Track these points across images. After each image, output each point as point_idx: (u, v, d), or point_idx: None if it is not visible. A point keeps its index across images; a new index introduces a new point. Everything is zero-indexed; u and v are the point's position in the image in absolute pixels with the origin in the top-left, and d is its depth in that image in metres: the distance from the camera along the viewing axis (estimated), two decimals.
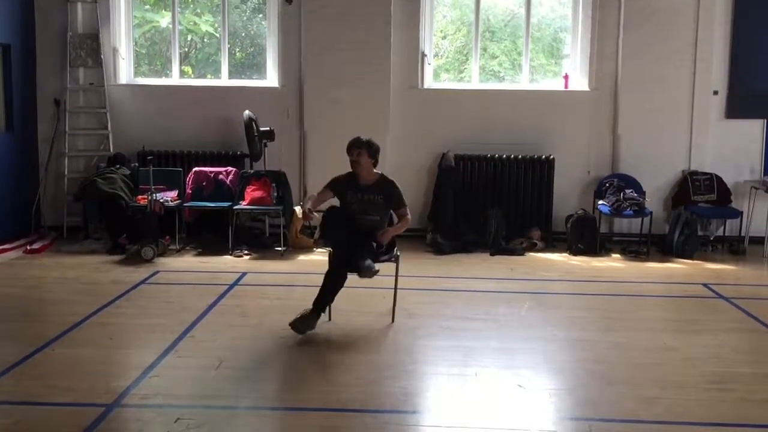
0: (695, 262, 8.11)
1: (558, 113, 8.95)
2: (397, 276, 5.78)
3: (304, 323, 5.36)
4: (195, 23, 9.81)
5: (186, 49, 9.99)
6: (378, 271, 5.44)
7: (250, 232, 8.58)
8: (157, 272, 7.27)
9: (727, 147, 8.86)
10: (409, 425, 4.14)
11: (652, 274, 7.64)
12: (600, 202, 8.62)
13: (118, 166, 8.56)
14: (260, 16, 9.59)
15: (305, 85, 8.89)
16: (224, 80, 9.24)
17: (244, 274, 7.28)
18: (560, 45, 9.66)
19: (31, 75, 8.99)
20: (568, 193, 8.91)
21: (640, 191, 8.57)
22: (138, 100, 9.15)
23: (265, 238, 8.63)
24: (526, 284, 7.15)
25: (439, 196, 8.76)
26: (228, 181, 8.52)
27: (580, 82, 9.01)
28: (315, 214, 5.64)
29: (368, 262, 5.39)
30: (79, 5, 8.97)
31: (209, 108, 8.99)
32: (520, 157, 8.81)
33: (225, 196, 8.43)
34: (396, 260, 5.76)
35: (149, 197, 7.91)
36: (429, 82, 9.11)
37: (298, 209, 8.19)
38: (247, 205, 8.23)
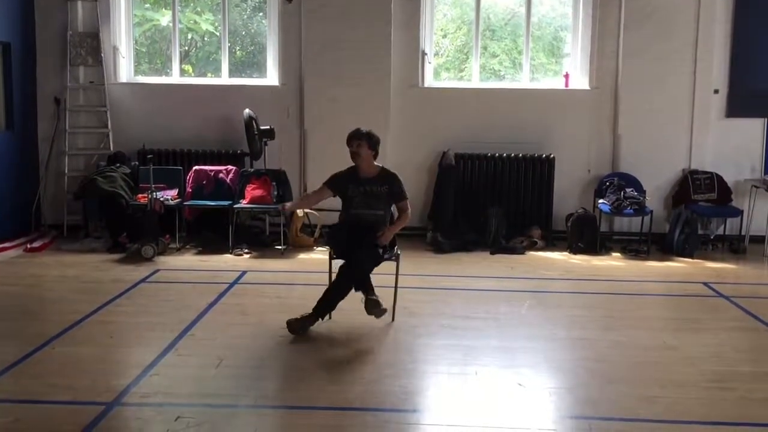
0: (695, 260, 8.11)
1: (558, 112, 8.94)
2: (397, 275, 5.77)
3: (300, 324, 5.38)
4: (195, 22, 9.80)
5: (186, 48, 9.99)
6: (386, 310, 5.46)
7: (250, 231, 8.57)
8: (158, 271, 7.27)
9: (728, 146, 8.85)
10: (409, 424, 4.14)
11: (652, 272, 7.64)
12: (600, 200, 8.61)
13: (118, 164, 8.56)
14: (260, 14, 9.58)
15: (305, 83, 8.88)
16: (224, 79, 9.23)
17: (244, 272, 7.28)
18: (561, 44, 9.65)
19: (32, 73, 8.99)
20: (568, 192, 8.91)
21: (641, 190, 8.57)
22: (138, 98, 9.14)
23: (265, 236, 8.63)
24: (526, 283, 7.15)
25: (439, 194, 8.76)
26: (228, 180, 8.52)
27: (580, 81, 9.00)
28: (316, 212, 5.64)
29: (377, 303, 5.39)
30: (80, 4, 8.95)
31: (209, 106, 8.98)
32: (520, 155, 8.81)
33: (225, 195, 8.43)
34: (396, 259, 5.76)
35: (149, 196, 7.91)
36: (429, 80, 9.10)
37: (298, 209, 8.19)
38: (248, 203, 8.23)
